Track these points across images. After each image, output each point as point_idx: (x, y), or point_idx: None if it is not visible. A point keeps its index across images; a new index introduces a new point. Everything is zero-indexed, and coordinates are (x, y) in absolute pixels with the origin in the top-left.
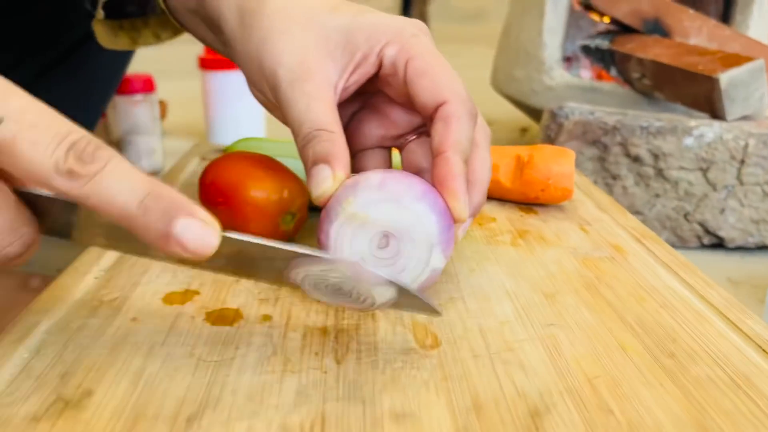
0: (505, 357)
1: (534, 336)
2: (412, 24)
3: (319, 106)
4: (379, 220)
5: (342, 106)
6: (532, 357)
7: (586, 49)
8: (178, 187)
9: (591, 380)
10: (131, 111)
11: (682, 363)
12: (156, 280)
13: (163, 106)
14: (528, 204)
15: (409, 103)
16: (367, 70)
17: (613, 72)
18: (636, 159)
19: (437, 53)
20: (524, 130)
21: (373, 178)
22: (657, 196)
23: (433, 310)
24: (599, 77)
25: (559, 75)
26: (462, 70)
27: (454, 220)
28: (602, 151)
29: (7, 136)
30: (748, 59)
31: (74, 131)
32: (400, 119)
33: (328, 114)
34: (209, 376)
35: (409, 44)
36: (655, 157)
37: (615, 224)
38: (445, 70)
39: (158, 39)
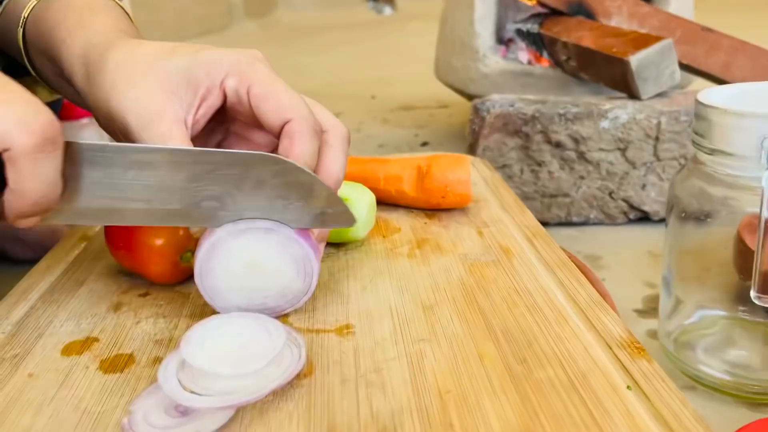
0: (370, 379)
1: (402, 353)
2: (248, 54)
3: (174, 144)
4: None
5: (205, 138)
6: (395, 376)
7: (520, 33)
8: (98, 227)
9: (443, 395)
10: (78, 136)
11: (531, 367)
12: (60, 330)
13: None
14: (432, 210)
15: (260, 125)
16: (213, 102)
17: (545, 55)
18: (558, 145)
19: (276, 77)
20: None
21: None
22: (582, 177)
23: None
24: (537, 59)
25: (493, 62)
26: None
27: None
28: (525, 140)
29: None
30: (658, 39)
31: None
32: (262, 140)
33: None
34: (90, 428)
35: (247, 74)
36: (576, 141)
37: (513, 224)
38: (286, 91)
39: (52, 95)
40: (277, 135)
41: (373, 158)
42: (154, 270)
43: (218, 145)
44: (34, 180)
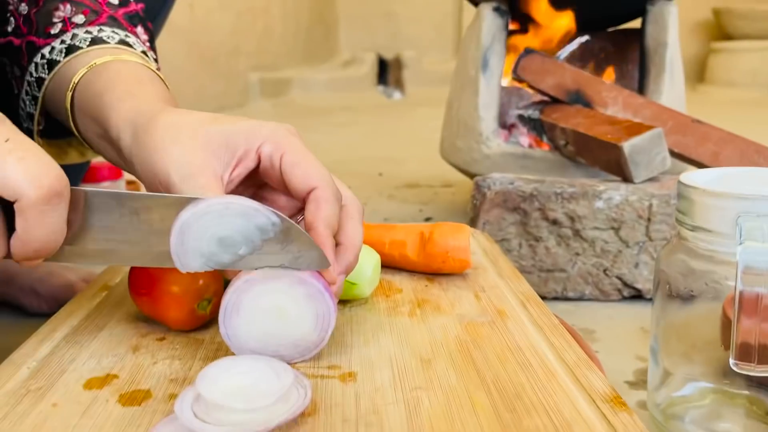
0: (369, 420)
1: (401, 399)
2: (284, 127)
3: (211, 195)
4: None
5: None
6: (393, 419)
7: (522, 118)
8: (118, 279)
9: None
10: None
11: (519, 416)
12: (82, 367)
13: (135, 187)
14: (433, 274)
15: (287, 190)
16: (248, 164)
17: (545, 139)
18: (554, 222)
19: (305, 149)
20: None
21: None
22: (577, 254)
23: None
24: (537, 143)
25: (495, 144)
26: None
27: (328, 283)
28: (523, 216)
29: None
30: (650, 128)
31: None
32: (285, 204)
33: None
34: None
35: (282, 143)
36: (572, 219)
37: (508, 290)
38: (314, 162)
39: (83, 156)
40: (302, 200)
41: (380, 224)
42: (173, 316)
43: None
44: (41, 228)
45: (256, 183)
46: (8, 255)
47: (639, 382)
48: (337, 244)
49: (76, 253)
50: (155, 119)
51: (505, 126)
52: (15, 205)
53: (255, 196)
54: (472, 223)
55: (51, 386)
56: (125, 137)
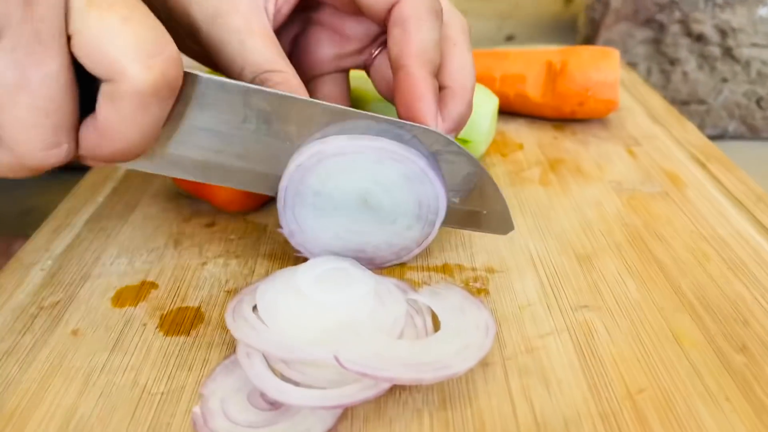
0: (523, 363)
1: (562, 326)
2: None
3: (255, 42)
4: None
5: (279, 31)
6: (557, 363)
7: None
8: None
9: (633, 396)
10: None
11: (757, 360)
12: (109, 268)
13: None
14: (563, 120)
15: (356, 9)
16: None
17: None
18: (699, 38)
19: None
20: (568, 0)
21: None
22: (724, 80)
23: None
24: None
25: None
26: None
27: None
28: (658, 31)
29: None
30: None
31: None
32: (354, 31)
33: (270, 49)
34: (149, 417)
35: None
36: (723, 33)
37: (672, 141)
38: None
39: None
40: (382, 22)
41: (487, 51)
42: (222, 194)
43: (296, 39)
44: (132, 126)
45: (307, 6)
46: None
47: None
48: (441, 89)
49: (168, 160)
50: None
51: None
52: (104, 86)
53: (307, 25)
54: (587, 43)
55: (70, 301)
56: None
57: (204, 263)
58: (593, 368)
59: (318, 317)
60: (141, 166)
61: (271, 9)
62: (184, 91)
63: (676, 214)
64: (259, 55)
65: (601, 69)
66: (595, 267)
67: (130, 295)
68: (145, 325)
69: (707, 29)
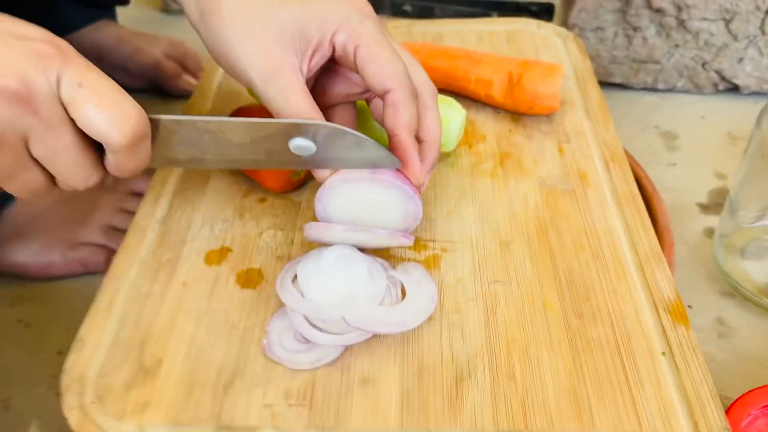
0: (452, 320)
1: (479, 294)
2: (358, 10)
3: (296, 99)
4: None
5: (308, 79)
6: (472, 319)
7: None
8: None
9: (509, 344)
10: None
11: (585, 324)
12: (198, 235)
13: None
14: (520, 113)
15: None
16: (324, 54)
17: None
18: (658, 10)
19: (382, 38)
20: None
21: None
22: (677, 46)
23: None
24: None
25: None
26: None
27: (416, 186)
28: (624, 3)
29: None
30: None
31: None
32: (359, 80)
33: (306, 103)
34: (238, 343)
35: (356, 32)
36: (678, 8)
37: (593, 140)
38: (389, 57)
39: None
40: (379, 95)
41: (465, 53)
42: (270, 183)
43: (318, 80)
44: (131, 162)
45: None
46: (106, 175)
47: (712, 205)
48: (419, 141)
49: (168, 161)
50: (221, 3)
51: None
52: (104, 145)
53: (327, 70)
54: (567, 8)
55: (177, 259)
56: (191, 13)
57: (260, 233)
58: (491, 325)
59: (333, 289)
60: (153, 165)
61: (305, 70)
62: (157, 129)
63: (574, 210)
64: (298, 108)
65: (546, 84)
66: (510, 251)
67: (215, 257)
68: (227, 280)
69: (665, 4)
